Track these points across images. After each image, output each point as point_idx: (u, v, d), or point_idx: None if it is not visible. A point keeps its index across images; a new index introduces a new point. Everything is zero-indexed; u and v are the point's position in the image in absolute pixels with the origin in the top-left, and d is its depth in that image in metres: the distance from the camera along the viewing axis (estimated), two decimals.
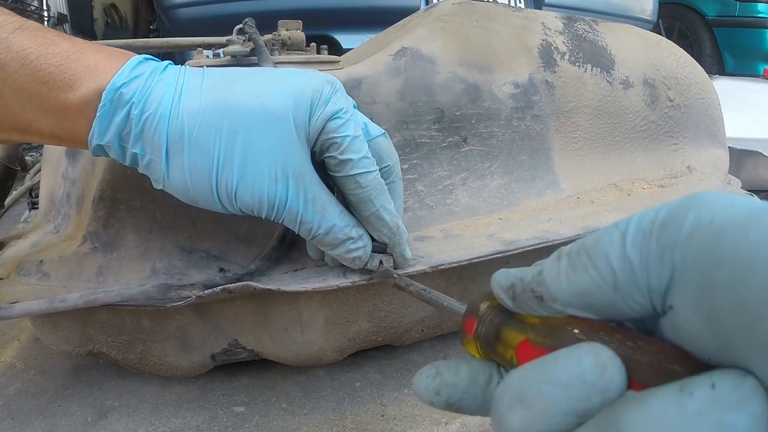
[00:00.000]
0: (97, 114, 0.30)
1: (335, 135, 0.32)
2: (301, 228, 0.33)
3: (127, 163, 0.32)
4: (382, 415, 0.44)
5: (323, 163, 0.34)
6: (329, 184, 0.35)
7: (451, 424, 0.43)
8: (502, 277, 0.19)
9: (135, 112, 0.30)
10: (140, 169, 0.32)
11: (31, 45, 0.29)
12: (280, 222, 0.33)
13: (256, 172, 0.31)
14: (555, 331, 0.17)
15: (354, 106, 0.35)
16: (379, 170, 0.34)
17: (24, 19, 0.31)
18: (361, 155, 0.32)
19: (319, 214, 0.33)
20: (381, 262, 0.36)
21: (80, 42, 0.31)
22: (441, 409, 0.20)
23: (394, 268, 0.37)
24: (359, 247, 0.35)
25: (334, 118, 0.32)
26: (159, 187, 0.32)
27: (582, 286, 0.16)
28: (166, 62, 0.33)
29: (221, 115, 0.30)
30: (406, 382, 0.49)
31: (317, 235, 0.34)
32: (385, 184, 0.35)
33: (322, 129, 0.32)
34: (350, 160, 0.32)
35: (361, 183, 0.33)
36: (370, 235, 0.36)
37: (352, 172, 0.32)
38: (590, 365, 0.14)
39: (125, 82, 0.30)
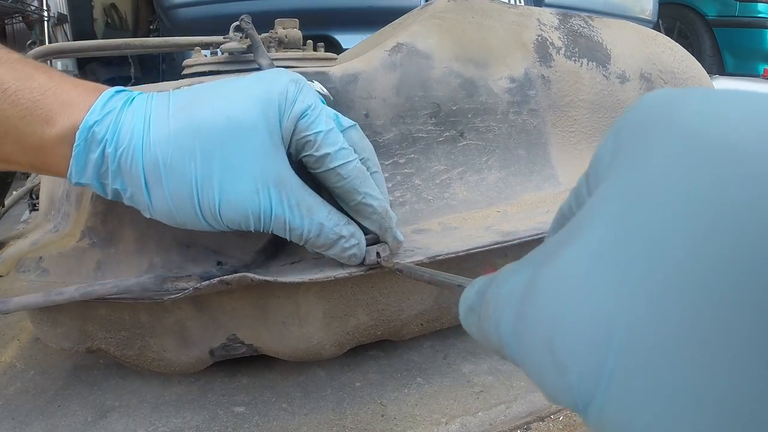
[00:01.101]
0: (73, 154, 0.30)
1: (307, 133, 0.32)
2: (292, 234, 0.33)
3: (109, 198, 0.32)
4: (382, 415, 0.44)
5: (303, 163, 0.34)
6: (315, 184, 0.34)
7: (451, 424, 0.43)
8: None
9: (109, 150, 0.30)
10: (125, 202, 0.32)
11: (9, 78, 0.29)
12: (270, 232, 0.33)
13: (236, 187, 0.30)
14: None
15: (322, 101, 0.34)
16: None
17: (3, 49, 0.31)
18: (338, 147, 0.32)
19: (307, 217, 0.32)
20: (378, 253, 0.36)
21: (57, 76, 0.31)
22: None
23: (390, 254, 0.37)
24: (353, 245, 0.35)
25: (304, 116, 0.32)
26: (147, 216, 0.33)
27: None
28: (136, 92, 0.32)
29: (191, 137, 0.30)
30: (406, 382, 0.49)
31: (309, 239, 0.33)
32: None
33: (294, 129, 0.32)
34: (327, 154, 0.32)
35: (342, 174, 0.32)
36: (362, 228, 0.36)
37: (332, 166, 0.32)
38: None
39: (97, 120, 0.30)
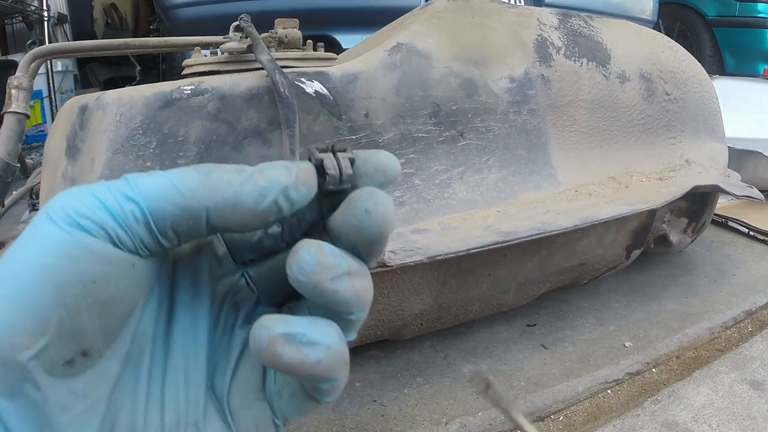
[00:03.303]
0: None
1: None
2: (238, 211, 0.24)
3: None
4: (382, 415, 0.44)
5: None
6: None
7: (451, 424, 0.43)
8: None
9: None
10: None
11: None
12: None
13: None
14: None
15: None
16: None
17: None
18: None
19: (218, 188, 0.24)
20: (337, 159, 0.29)
21: None
22: None
23: (350, 151, 0.31)
24: (289, 167, 0.21)
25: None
26: None
27: None
28: None
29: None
30: (406, 382, 0.49)
31: (258, 207, 0.20)
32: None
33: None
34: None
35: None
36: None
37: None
38: None
39: None
